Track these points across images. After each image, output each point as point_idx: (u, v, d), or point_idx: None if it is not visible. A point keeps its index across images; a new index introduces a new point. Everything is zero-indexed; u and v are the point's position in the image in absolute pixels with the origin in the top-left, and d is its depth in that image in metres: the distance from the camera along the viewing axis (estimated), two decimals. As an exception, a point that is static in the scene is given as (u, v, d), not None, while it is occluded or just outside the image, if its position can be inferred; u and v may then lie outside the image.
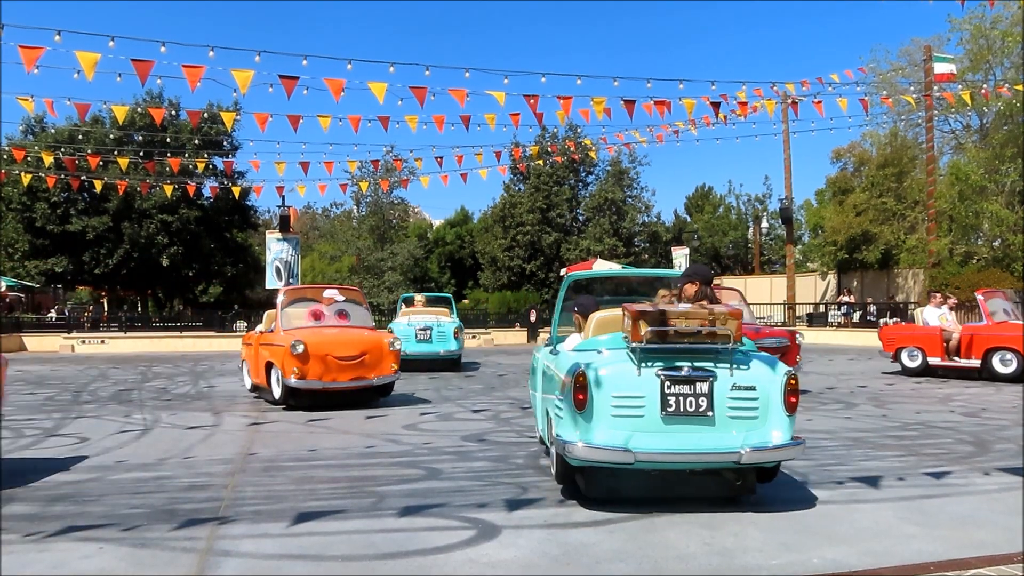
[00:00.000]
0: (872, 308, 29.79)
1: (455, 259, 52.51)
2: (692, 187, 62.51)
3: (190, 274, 36.25)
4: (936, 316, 14.11)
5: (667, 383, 4.58)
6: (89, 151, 24.80)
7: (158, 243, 33.70)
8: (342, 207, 46.04)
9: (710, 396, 4.58)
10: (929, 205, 27.89)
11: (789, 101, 25.12)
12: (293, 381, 9.53)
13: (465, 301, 46.78)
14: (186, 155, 28.21)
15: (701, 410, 4.58)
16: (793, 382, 4.72)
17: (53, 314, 32.04)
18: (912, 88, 26.96)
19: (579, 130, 37.58)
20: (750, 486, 5.06)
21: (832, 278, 36.97)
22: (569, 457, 4.67)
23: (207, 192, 33.66)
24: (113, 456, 6.77)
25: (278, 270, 29.14)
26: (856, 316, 29.71)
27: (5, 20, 10.98)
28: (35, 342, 25.52)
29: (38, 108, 23.94)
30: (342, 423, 8.69)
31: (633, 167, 41.95)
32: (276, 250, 29.05)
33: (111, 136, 31.15)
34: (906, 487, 5.46)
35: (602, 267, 31.64)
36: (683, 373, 4.59)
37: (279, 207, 30.08)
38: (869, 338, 25.94)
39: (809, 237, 45.87)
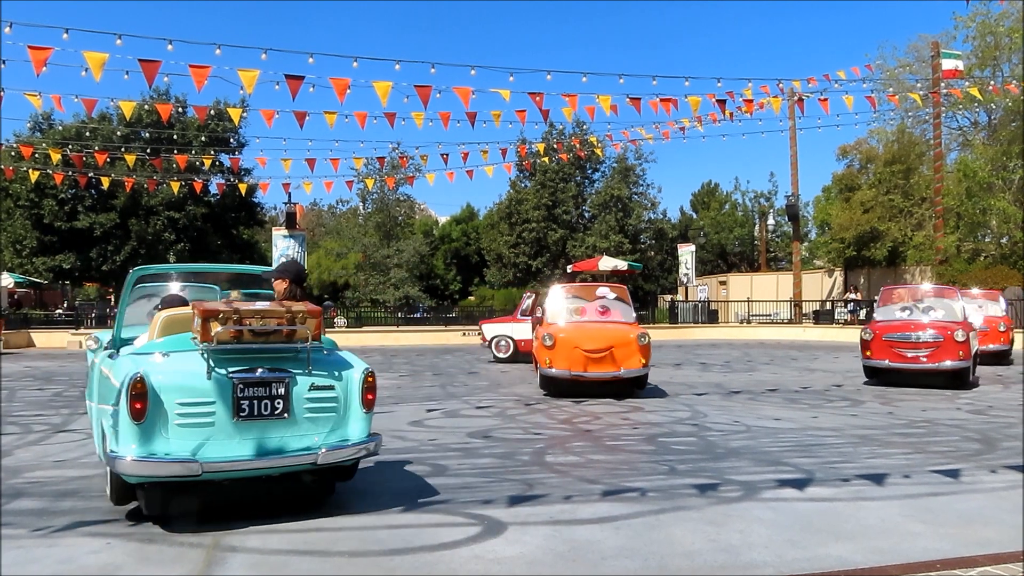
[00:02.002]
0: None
1: (461, 256, 52.54)
2: (698, 184, 62.39)
3: (196, 271, 36.32)
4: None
5: (240, 386, 4.31)
6: (96, 148, 24.86)
7: (165, 240, 33.80)
8: (348, 204, 46.12)
9: (287, 398, 4.39)
10: (936, 202, 27.80)
11: (796, 98, 25.06)
12: (545, 370, 10.38)
13: (471, 298, 46.84)
14: (193, 152, 28.27)
15: (277, 413, 4.38)
16: (371, 379, 4.64)
17: (61, 310, 32.18)
18: (919, 85, 26.84)
19: (585, 127, 37.59)
20: (329, 486, 4.98)
21: (839, 275, 36.88)
22: (123, 474, 4.21)
23: (214, 189, 33.74)
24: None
25: (284, 267, 29.14)
26: (863, 313, 29.61)
27: (14, 19, 11.02)
28: (43, 338, 25.64)
29: (46, 105, 24.03)
30: (348, 419, 8.70)
31: (639, 164, 41.95)
32: (282, 247, 29.09)
33: (118, 133, 31.29)
34: (912, 485, 5.45)
35: (607, 264, 31.63)
36: (257, 375, 4.36)
37: (285, 204, 30.14)
38: (876, 335, 25.89)
39: (816, 234, 45.76)
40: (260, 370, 4.38)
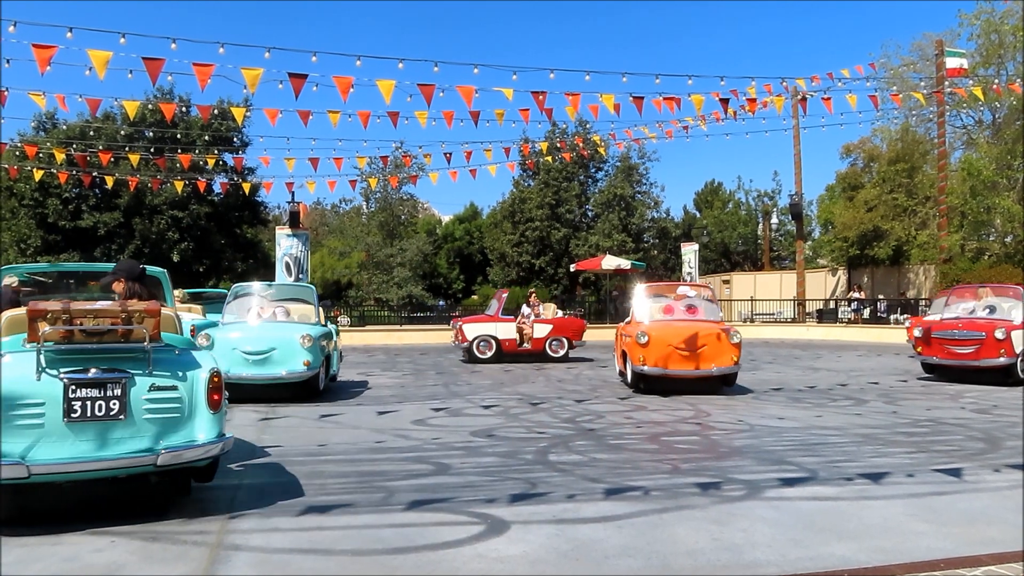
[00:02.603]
0: (882, 304, 29.64)
1: (464, 255, 52.56)
2: (701, 183, 62.34)
3: (201, 270, 36.38)
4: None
5: (72, 387, 4.24)
6: (100, 147, 24.93)
7: (169, 239, 33.85)
8: (351, 203, 46.17)
9: (124, 398, 4.33)
10: (940, 201, 27.73)
11: (799, 97, 25.02)
12: (639, 367, 10.62)
13: (474, 297, 46.86)
14: (196, 151, 28.31)
15: (112, 414, 4.30)
16: (216, 379, 4.59)
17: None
18: (923, 83, 26.78)
19: (588, 126, 37.56)
20: (183, 487, 4.94)
21: (842, 274, 36.82)
22: None
23: (217, 188, 33.79)
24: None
25: (288, 266, 29.22)
26: (866, 312, 29.58)
27: (18, 17, 11.05)
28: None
29: (50, 104, 24.11)
30: (352, 418, 8.73)
31: (642, 163, 41.88)
32: (286, 246, 29.11)
33: (122, 132, 31.31)
34: (916, 484, 5.45)
35: (611, 263, 31.62)
36: (90, 375, 4.29)
37: (289, 203, 30.14)
38: (879, 334, 25.87)
39: (819, 233, 45.69)
40: (94, 370, 4.32)
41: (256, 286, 11.87)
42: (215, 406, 4.59)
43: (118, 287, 5.18)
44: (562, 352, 17.25)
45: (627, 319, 12.31)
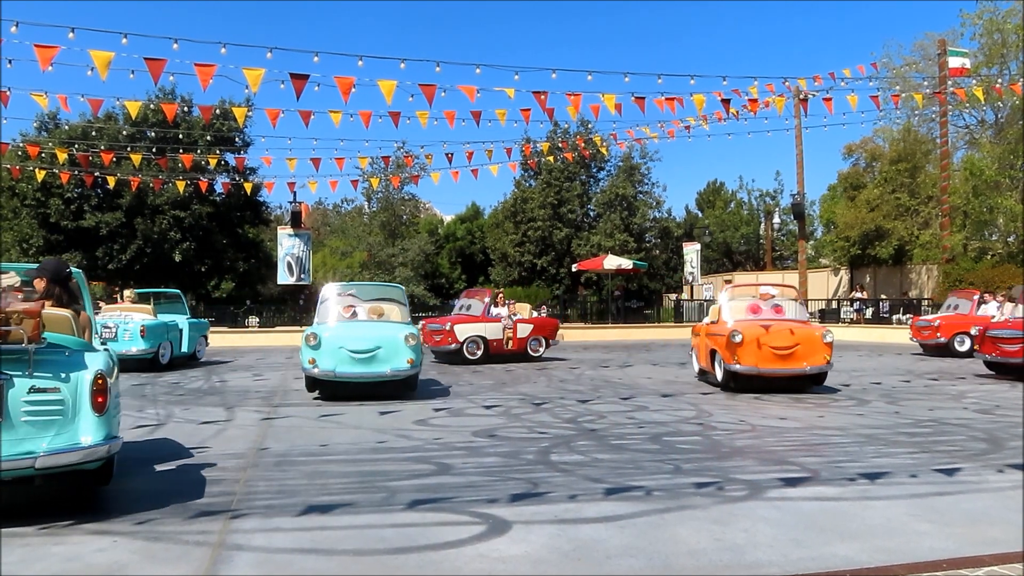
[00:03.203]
0: (885, 304, 29.60)
1: (466, 254, 52.54)
2: (703, 182, 62.26)
3: (202, 269, 36.40)
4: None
5: None
6: (102, 147, 24.93)
7: (171, 239, 33.86)
8: (353, 203, 46.13)
9: (1, 400, 4.26)
10: (943, 200, 27.69)
11: (801, 96, 24.99)
12: (732, 366, 10.74)
13: (476, 297, 46.80)
14: (198, 151, 28.34)
15: None
16: (100, 381, 4.53)
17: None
18: (926, 83, 26.74)
19: (590, 126, 37.53)
20: (76, 489, 4.89)
21: (844, 274, 36.78)
22: None
23: (219, 188, 33.78)
24: (127, 450, 6.81)
25: (290, 266, 29.27)
26: (868, 312, 29.53)
27: (20, 18, 11.05)
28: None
29: (52, 104, 24.10)
30: (354, 418, 8.73)
31: (644, 163, 41.85)
32: (288, 246, 29.16)
33: (124, 132, 31.32)
34: (918, 484, 5.44)
35: (612, 263, 31.60)
36: None
37: (291, 203, 30.22)
38: (882, 334, 25.84)
39: (821, 233, 45.64)
40: None
41: (348, 286, 12.04)
42: (100, 408, 4.51)
43: (39, 284, 5.14)
44: (541, 351, 17.14)
45: (711, 318, 12.48)
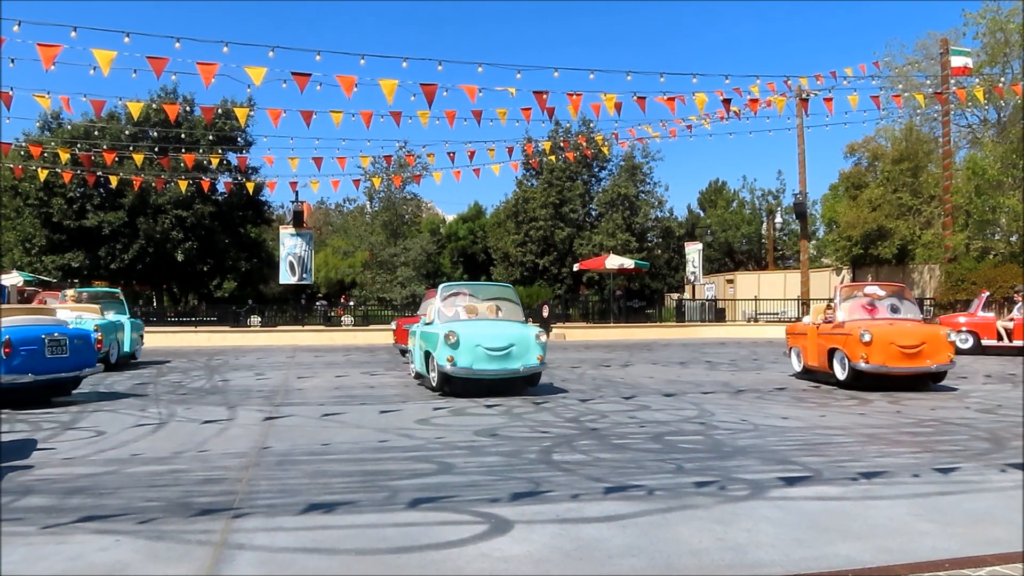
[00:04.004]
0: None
1: (468, 254, 52.56)
2: (705, 182, 62.27)
3: (205, 269, 36.46)
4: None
5: None
6: (105, 147, 24.96)
7: (173, 238, 33.90)
8: (355, 203, 46.25)
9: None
10: (945, 200, 27.65)
11: (803, 96, 24.97)
12: (859, 365, 10.98)
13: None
14: (200, 151, 28.36)
15: None
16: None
17: (70, 309, 32.26)
18: (928, 82, 26.71)
19: (592, 125, 37.53)
20: None
21: (846, 273, 36.75)
22: None
23: (221, 188, 33.85)
24: (129, 449, 6.83)
25: (291, 265, 29.28)
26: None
27: (22, 17, 11.06)
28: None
29: (54, 104, 24.11)
30: (355, 417, 8.73)
31: (646, 162, 41.87)
32: (290, 245, 29.17)
33: (126, 132, 31.38)
34: (921, 484, 5.43)
35: (614, 262, 31.60)
36: None
37: (292, 203, 30.23)
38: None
39: (823, 232, 45.60)
40: None
41: (463, 286, 12.33)
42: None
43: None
44: None
45: (822, 318, 12.65)
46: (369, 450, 6.79)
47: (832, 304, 12.49)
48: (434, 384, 10.88)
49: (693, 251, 36.09)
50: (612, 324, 30.79)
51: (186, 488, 5.36)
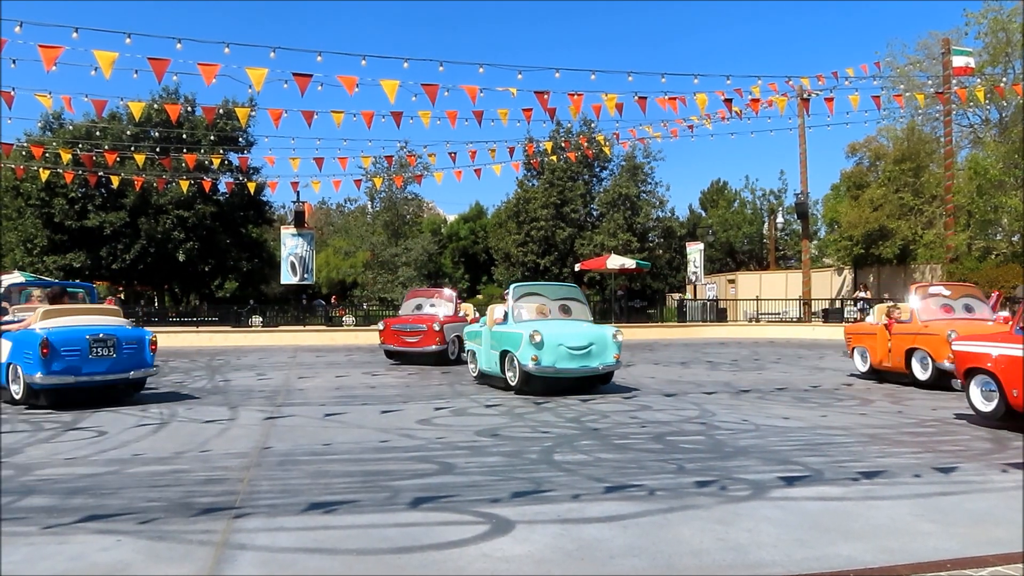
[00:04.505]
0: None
1: (469, 254, 52.58)
2: (707, 182, 62.37)
3: (206, 269, 36.48)
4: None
5: None
6: (106, 147, 24.98)
7: (174, 238, 33.92)
8: (356, 203, 46.26)
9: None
10: (947, 200, 27.62)
11: (804, 96, 24.96)
12: (946, 364, 10.87)
13: (479, 296, 46.88)
14: (201, 151, 28.37)
15: None
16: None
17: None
18: (930, 82, 26.69)
19: (593, 125, 37.53)
20: None
21: (848, 273, 36.71)
22: None
23: (222, 188, 33.86)
24: (131, 449, 6.84)
25: (293, 265, 29.27)
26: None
27: (24, 18, 11.08)
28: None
29: (56, 105, 24.16)
30: (357, 417, 8.74)
31: (647, 162, 41.85)
32: (291, 245, 29.16)
33: (128, 132, 31.39)
34: (922, 484, 5.43)
35: (616, 262, 31.58)
36: None
37: (294, 203, 30.20)
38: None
39: (825, 232, 45.56)
40: None
41: (535, 286, 12.47)
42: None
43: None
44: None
45: (886, 318, 12.67)
46: (370, 450, 6.79)
47: (897, 305, 12.64)
48: (513, 383, 10.98)
49: (694, 251, 36.05)
50: (613, 324, 30.77)
51: (187, 488, 5.36)
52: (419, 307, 17.01)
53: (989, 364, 7.88)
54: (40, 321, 9.58)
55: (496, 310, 11.89)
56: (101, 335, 9.62)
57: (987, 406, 8.02)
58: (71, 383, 9.36)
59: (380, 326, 16.71)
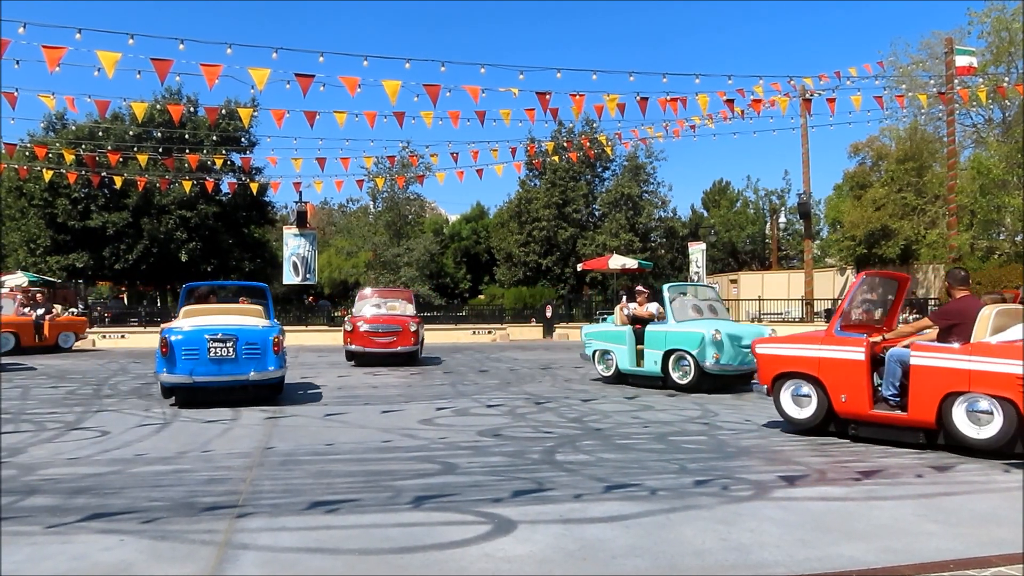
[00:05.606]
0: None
1: (471, 254, 52.54)
2: (709, 182, 62.25)
3: (208, 269, 36.48)
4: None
5: None
6: (109, 148, 24.99)
7: (177, 239, 33.95)
8: (358, 203, 46.20)
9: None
10: (950, 199, 27.56)
11: (806, 96, 24.93)
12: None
13: (481, 296, 46.87)
14: (204, 151, 28.39)
15: None
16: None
17: (75, 310, 32.36)
18: (933, 82, 26.64)
19: (595, 125, 37.51)
20: None
21: (850, 273, 36.66)
22: None
23: (225, 188, 33.85)
24: (133, 449, 6.85)
25: (295, 265, 29.30)
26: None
27: (28, 19, 11.09)
28: (56, 337, 25.74)
29: (59, 105, 24.18)
30: (359, 417, 8.74)
31: (650, 162, 41.81)
32: (293, 246, 29.19)
33: (130, 133, 31.43)
34: (925, 484, 5.42)
35: (617, 262, 31.56)
36: None
37: (296, 203, 30.23)
38: (888, 334, 25.72)
39: (827, 232, 45.50)
40: None
41: (685, 287, 12.97)
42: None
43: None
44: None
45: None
46: (372, 450, 6.79)
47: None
48: (683, 382, 10.98)
49: (697, 251, 36.01)
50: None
51: (190, 488, 5.37)
52: (377, 307, 16.87)
53: (813, 369, 7.29)
54: (177, 321, 9.73)
55: (624, 310, 12.17)
56: (220, 335, 9.51)
57: (801, 412, 7.49)
58: (188, 383, 9.43)
59: (347, 327, 16.23)
